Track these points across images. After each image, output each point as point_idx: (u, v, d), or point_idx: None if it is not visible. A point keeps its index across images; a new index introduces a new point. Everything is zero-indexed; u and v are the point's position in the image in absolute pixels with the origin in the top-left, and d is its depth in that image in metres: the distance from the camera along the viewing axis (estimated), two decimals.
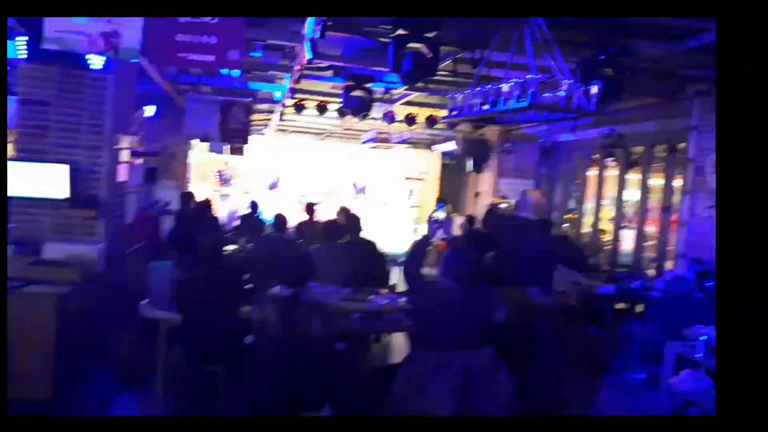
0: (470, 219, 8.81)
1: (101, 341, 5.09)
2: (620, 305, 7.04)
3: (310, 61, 4.99)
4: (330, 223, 6.11)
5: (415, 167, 16.53)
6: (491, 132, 12.75)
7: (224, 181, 15.42)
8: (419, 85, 8.26)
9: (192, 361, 4.00)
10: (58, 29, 3.39)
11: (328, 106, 9.90)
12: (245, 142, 7.94)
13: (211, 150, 10.56)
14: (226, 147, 10.07)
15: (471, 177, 16.78)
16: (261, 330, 3.61)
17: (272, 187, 15.46)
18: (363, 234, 6.57)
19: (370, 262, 6.45)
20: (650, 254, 9.63)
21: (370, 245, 6.60)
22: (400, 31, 4.77)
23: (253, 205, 9.40)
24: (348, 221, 6.45)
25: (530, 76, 3.71)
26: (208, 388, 4.07)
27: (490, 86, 4.11)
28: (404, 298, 4.78)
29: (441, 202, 4.25)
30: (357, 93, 7.34)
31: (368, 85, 7.40)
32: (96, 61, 4.89)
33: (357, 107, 7.41)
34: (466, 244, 3.85)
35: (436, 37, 4.85)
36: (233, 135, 7.68)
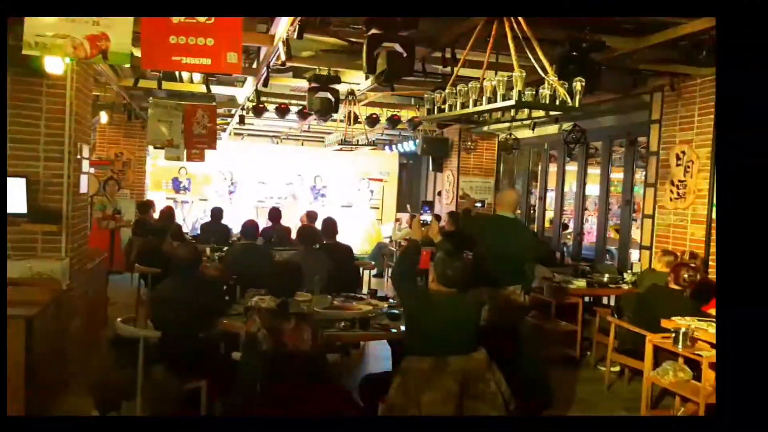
0: (455, 219, 8.81)
1: (74, 363, 4.85)
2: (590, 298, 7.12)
3: (284, 63, 4.85)
4: (304, 229, 5.97)
5: (374, 168, 16.48)
6: (451, 131, 12.79)
7: (180, 188, 15.06)
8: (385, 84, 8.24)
9: (174, 379, 3.81)
10: (39, 33, 3.16)
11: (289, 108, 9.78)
12: (212, 147, 7.69)
13: (167, 156, 10.25)
14: (184, 153, 9.79)
15: (431, 176, 16.86)
16: (249, 344, 3.46)
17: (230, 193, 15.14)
18: (338, 238, 6.48)
19: (346, 268, 6.35)
20: (612, 247, 9.81)
21: (345, 249, 6.50)
22: (374, 30, 4.69)
23: (217, 212, 9.16)
24: (324, 225, 6.32)
25: (516, 73, 3.66)
26: (191, 406, 3.90)
27: (471, 84, 4.06)
28: (387, 304, 4.70)
29: (426, 205, 4.19)
30: (322, 94, 7.20)
31: (334, 86, 7.27)
32: (54, 66, 4.64)
33: (323, 109, 7.27)
34: (453, 247, 3.77)
35: (411, 35, 4.79)
36: (199, 140, 7.43)
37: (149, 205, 9.52)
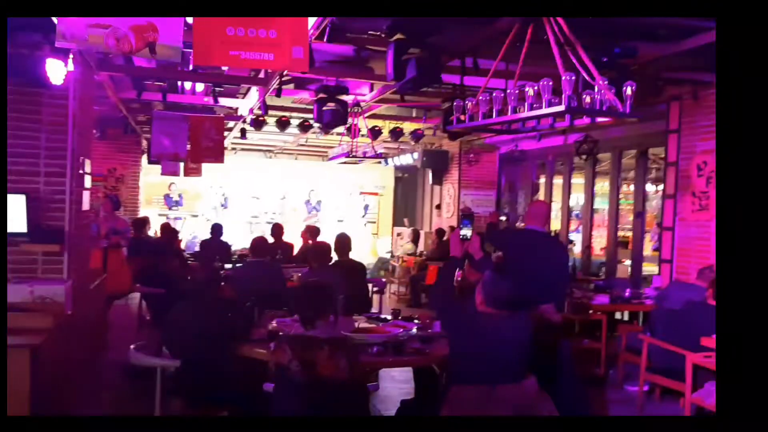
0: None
1: (82, 394, 4.50)
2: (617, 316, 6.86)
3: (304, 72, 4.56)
4: (319, 245, 5.66)
5: (369, 182, 16.19)
6: (451, 144, 12.57)
7: (172, 204, 14.67)
8: (392, 96, 7.99)
9: (196, 410, 3.49)
10: (74, 25, 2.85)
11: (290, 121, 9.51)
12: (219, 160, 7.36)
13: (164, 172, 9.91)
14: (181, 168, 9.47)
15: (427, 190, 16.62)
16: (281, 376, 3.16)
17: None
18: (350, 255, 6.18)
19: (359, 286, 6.06)
20: (625, 260, 9.58)
21: (358, 267, 6.21)
22: (399, 36, 4.44)
23: (217, 229, 8.82)
24: (338, 242, 6.02)
25: (565, 77, 3.41)
26: None
27: (510, 91, 3.80)
28: (414, 327, 4.39)
29: (466, 218, 3.86)
30: (330, 106, 6.94)
31: (342, 97, 7.01)
32: (56, 75, 4.33)
33: (331, 121, 7.00)
34: (502, 266, 3.47)
35: (436, 41, 4.55)
36: (206, 154, 7.09)
37: (145, 222, 9.17)
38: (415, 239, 11.71)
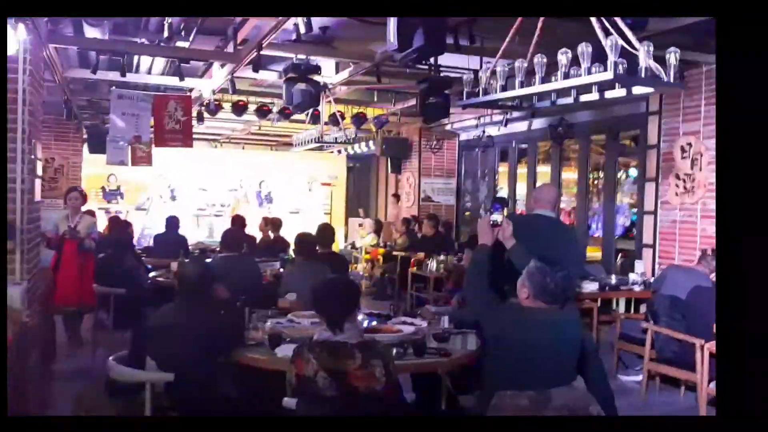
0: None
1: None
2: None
3: (299, 37, 4.03)
4: (304, 237, 5.16)
5: (321, 172, 15.64)
6: (411, 131, 12.21)
7: (110, 196, 13.74)
8: (362, 78, 7.52)
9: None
10: None
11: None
12: (187, 144, 6.65)
13: (110, 161, 9.12)
14: (129, 156, 8.72)
15: (382, 179, 16.22)
16: (306, 390, 2.69)
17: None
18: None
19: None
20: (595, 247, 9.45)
21: (342, 260, 5.75)
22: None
23: (172, 222, 8.17)
24: (321, 233, 5.54)
25: (609, 41, 3.06)
26: None
27: (539, 57, 3.42)
28: (424, 324, 3.98)
29: (498, 203, 3.47)
30: (302, 86, 6.42)
31: (313, 76, 6.50)
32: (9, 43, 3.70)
33: (301, 103, 6.48)
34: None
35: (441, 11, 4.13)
36: (171, 137, 6.39)
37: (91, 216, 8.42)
38: (378, 230, 11.30)
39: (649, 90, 3.63)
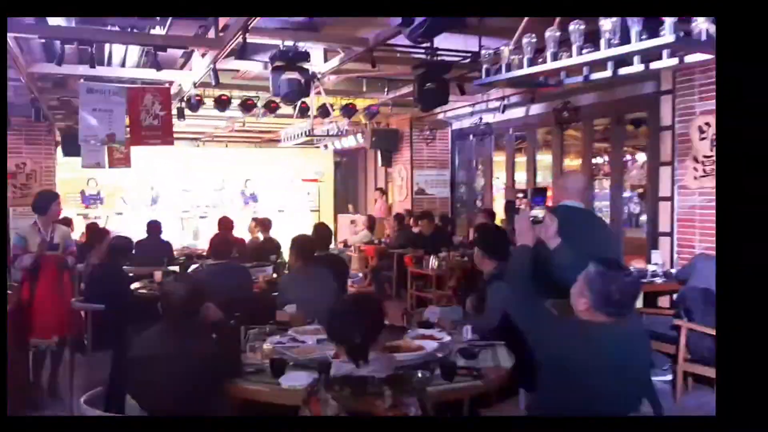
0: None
1: None
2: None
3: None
4: (302, 239, 4.63)
5: (307, 168, 15.08)
6: (401, 122, 11.71)
7: (89, 201, 13.13)
8: (353, 66, 7.01)
9: None
10: None
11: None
12: (167, 141, 6.00)
13: (85, 164, 8.55)
14: (106, 158, 8.16)
15: (370, 173, 15.71)
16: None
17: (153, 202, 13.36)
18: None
19: (344, 287, 5.13)
20: None
21: (341, 261, 5.26)
22: None
23: (154, 226, 7.62)
24: (318, 233, 5.04)
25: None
26: None
27: (576, 24, 2.94)
28: (447, 338, 3.47)
29: (538, 195, 2.89)
30: (290, 75, 5.89)
31: (303, 64, 5.97)
32: None
33: (290, 93, 5.95)
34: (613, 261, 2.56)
35: None
36: (150, 134, 5.76)
37: (66, 224, 7.85)
38: (371, 226, 10.81)
39: (673, 62, 3.11)
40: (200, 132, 13.93)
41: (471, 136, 10.96)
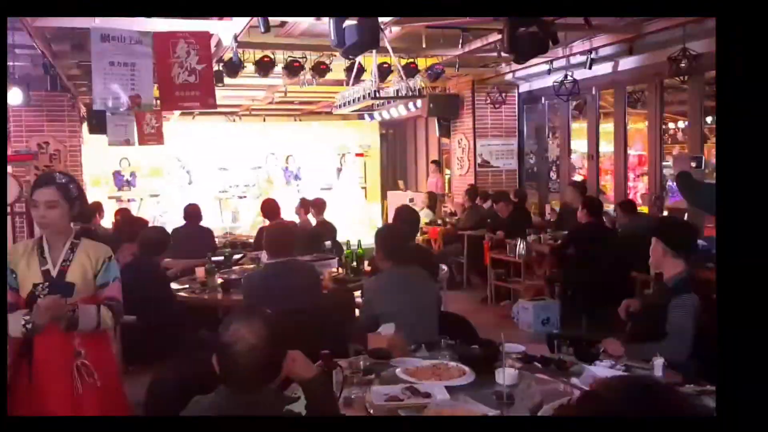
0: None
1: None
2: None
3: None
4: (392, 234, 3.45)
5: (352, 142, 13.90)
6: (462, 85, 10.42)
7: (122, 183, 12.21)
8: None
9: None
10: None
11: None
12: (208, 105, 4.67)
13: (111, 141, 7.53)
14: (134, 134, 7.12)
15: (421, 145, 14.49)
16: None
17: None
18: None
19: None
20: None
21: (431, 256, 4.09)
22: None
23: (193, 212, 6.53)
24: (402, 216, 3.85)
25: None
26: None
27: None
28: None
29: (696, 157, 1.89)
30: (355, 21, 4.69)
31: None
32: None
33: (357, 42, 4.75)
34: None
35: None
36: (186, 94, 4.43)
37: (95, 209, 6.84)
38: (432, 205, 9.61)
39: None
40: (236, 105, 12.85)
41: (542, 99, 9.64)
